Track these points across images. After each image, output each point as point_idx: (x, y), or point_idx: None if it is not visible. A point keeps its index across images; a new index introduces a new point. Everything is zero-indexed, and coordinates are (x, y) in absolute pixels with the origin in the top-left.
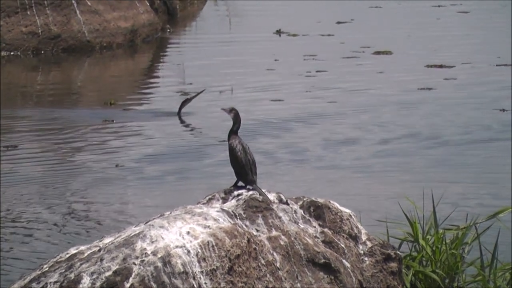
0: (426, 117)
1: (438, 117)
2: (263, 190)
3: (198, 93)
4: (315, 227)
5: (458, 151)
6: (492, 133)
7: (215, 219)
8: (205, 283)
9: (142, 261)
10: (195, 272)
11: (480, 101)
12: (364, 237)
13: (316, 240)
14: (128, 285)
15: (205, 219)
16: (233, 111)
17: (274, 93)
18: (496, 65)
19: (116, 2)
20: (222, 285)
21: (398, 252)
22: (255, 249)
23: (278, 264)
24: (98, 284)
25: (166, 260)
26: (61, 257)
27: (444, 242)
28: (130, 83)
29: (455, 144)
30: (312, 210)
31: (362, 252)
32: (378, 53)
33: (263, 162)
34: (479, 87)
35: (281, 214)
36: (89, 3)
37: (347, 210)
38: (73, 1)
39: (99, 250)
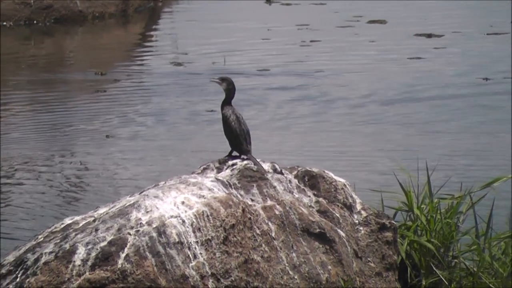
0: (408, 85)
1: (420, 85)
2: (258, 160)
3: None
4: (309, 196)
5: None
6: (473, 101)
7: (209, 189)
8: (200, 253)
9: (137, 231)
10: (190, 242)
11: (465, 70)
12: (359, 207)
13: (311, 209)
14: (123, 255)
15: (200, 189)
16: (224, 82)
17: (265, 63)
18: (487, 34)
19: None
20: (217, 255)
21: (393, 222)
22: (250, 218)
23: (273, 234)
24: (93, 254)
25: (161, 230)
26: (56, 228)
27: (438, 212)
28: (122, 53)
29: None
30: (306, 180)
31: (357, 221)
32: (372, 22)
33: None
34: (467, 56)
35: (275, 183)
36: None
37: (342, 180)
38: None
39: (94, 221)
